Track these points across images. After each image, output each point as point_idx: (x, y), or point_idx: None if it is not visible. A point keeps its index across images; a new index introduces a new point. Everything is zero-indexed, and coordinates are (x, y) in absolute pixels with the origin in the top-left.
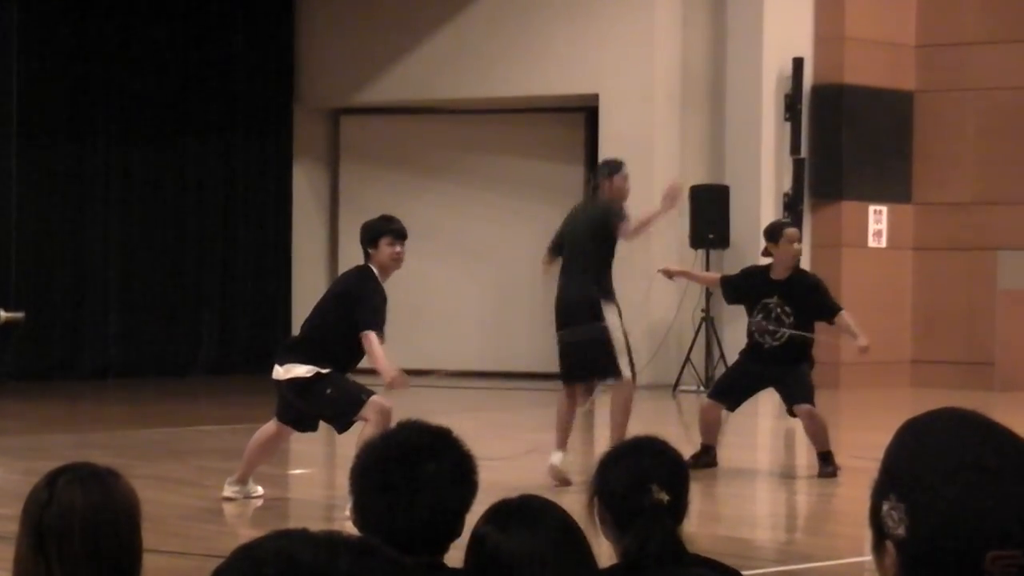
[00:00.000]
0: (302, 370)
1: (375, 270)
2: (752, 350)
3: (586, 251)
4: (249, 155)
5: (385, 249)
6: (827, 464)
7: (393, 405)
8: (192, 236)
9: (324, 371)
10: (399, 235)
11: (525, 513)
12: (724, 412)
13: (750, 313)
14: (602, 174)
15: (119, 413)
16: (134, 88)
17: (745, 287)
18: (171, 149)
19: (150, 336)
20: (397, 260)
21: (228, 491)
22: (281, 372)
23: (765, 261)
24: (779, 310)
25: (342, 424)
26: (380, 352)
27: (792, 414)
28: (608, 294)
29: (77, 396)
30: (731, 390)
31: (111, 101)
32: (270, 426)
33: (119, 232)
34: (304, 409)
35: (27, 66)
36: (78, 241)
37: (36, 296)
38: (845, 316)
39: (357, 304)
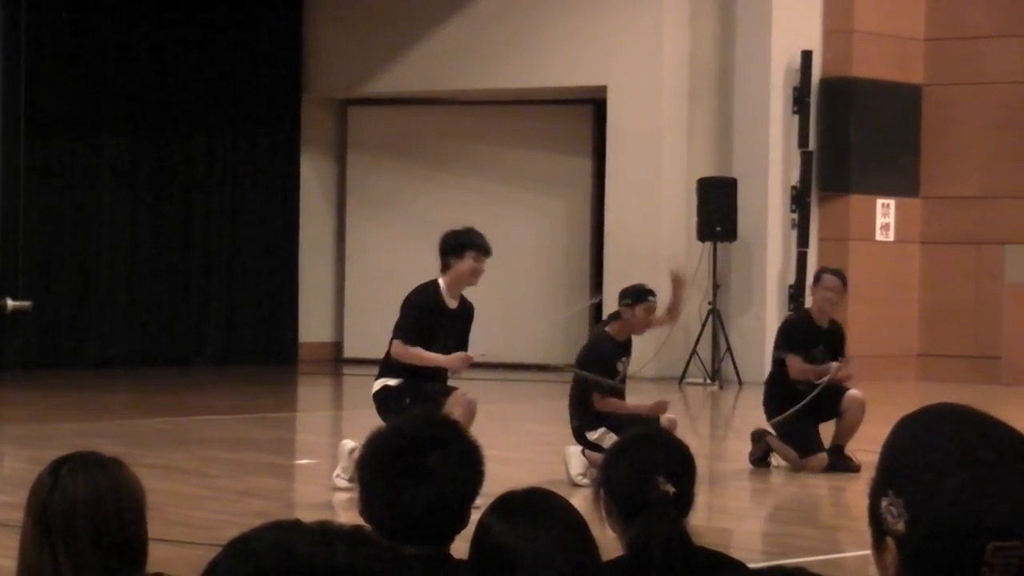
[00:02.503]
0: (375, 386)
1: (441, 284)
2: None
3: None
4: (256, 146)
5: (469, 262)
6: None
7: (476, 397)
8: (199, 226)
9: (393, 383)
10: (484, 251)
11: (531, 506)
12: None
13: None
14: (623, 303)
15: (125, 402)
16: (142, 78)
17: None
18: (178, 139)
19: (156, 325)
20: (476, 276)
21: (341, 482)
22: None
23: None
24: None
25: None
26: (418, 352)
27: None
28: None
29: (83, 385)
30: None
31: (118, 91)
32: None
33: (126, 222)
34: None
35: (34, 55)
36: (85, 231)
37: (42, 285)
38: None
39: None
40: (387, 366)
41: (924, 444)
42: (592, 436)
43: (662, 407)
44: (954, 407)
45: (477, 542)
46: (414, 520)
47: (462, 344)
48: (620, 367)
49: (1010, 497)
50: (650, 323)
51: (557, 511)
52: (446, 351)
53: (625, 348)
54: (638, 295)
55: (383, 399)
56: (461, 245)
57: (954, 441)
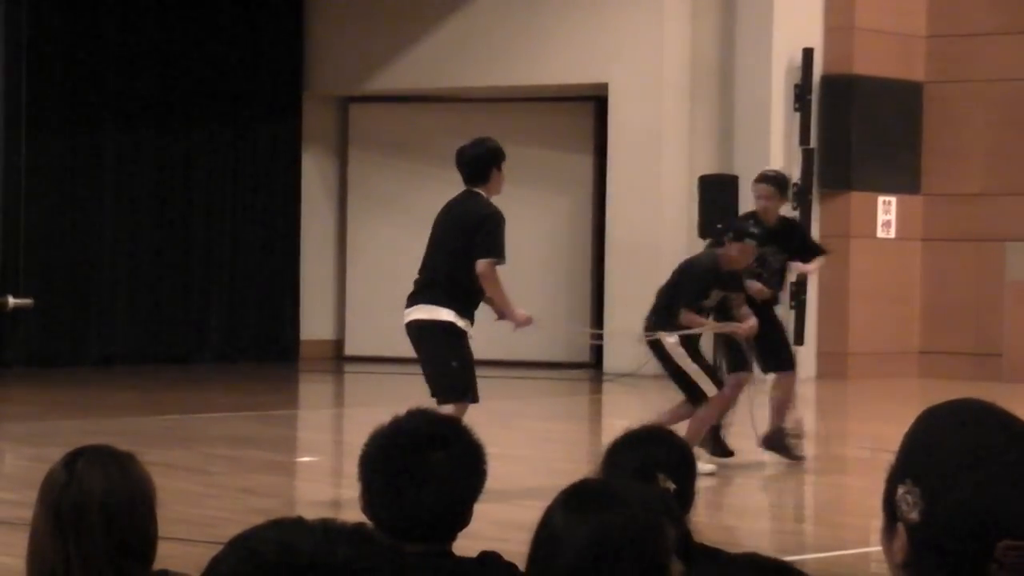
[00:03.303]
0: (437, 313)
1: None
2: None
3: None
4: (258, 143)
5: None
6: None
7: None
8: (200, 223)
9: (460, 324)
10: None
11: (600, 497)
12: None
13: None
14: (725, 235)
15: (126, 400)
16: (142, 75)
17: None
18: (180, 137)
19: (157, 323)
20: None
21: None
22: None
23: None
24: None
25: None
26: (500, 285)
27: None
28: None
29: (84, 383)
30: None
31: (119, 88)
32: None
33: (127, 219)
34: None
35: (35, 54)
36: (86, 228)
37: (44, 283)
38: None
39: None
40: (452, 294)
41: (946, 437)
42: (666, 336)
43: (746, 329)
44: (980, 403)
45: (537, 529)
46: (417, 518)
47: None
48: (712, 295)
49: None
50: (739, 264)
51: (628, 505)
52: None
53: (723, 280)
54: (738, 234)
55: (444, 332)
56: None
57: (977, 437)
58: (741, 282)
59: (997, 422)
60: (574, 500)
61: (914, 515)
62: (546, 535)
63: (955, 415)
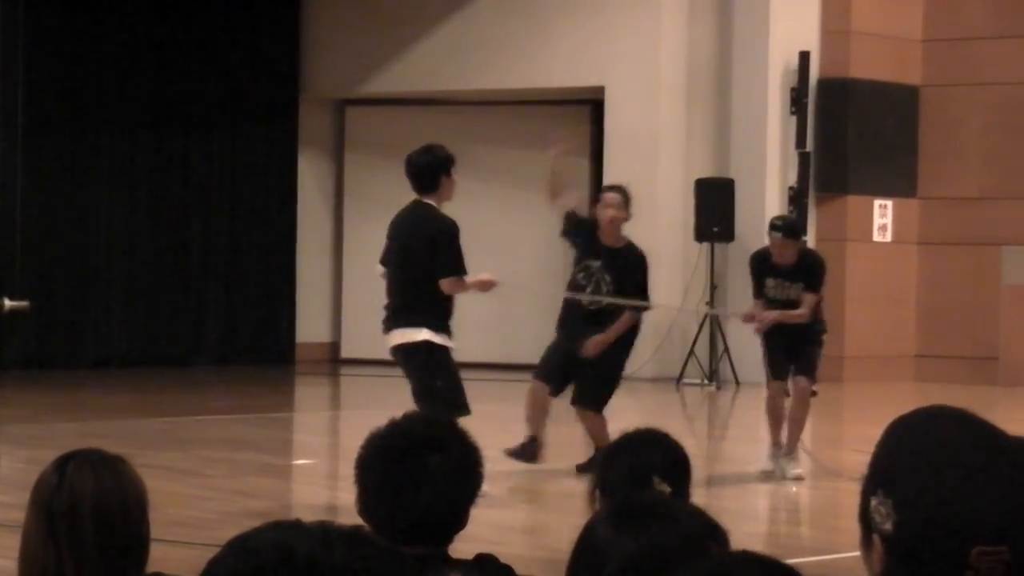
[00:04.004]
0: (417, 335)
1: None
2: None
3: None
4: (254, 146)
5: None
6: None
7: None
8: (197, 226)
9: (438, 342)
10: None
11: (646, 511)
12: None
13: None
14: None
15: (122, 402)
16: (140, 78)
17: None
18: (176, 140)
19: (154, 325)
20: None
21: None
22: None
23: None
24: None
25: None
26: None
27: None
28: None
29: (80, 385)
30: None
31: (116, 91)
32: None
33: (123, 222)
34: None
35: (32, 55)
36: (82, 230)
37: (40, 285)
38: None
39: None
40: (424, 312)
41: (915, 446)
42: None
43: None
44: (947, 410)
45: (578, 544)
46: (414, 521)
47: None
48: (770, 283)
49: (998, 502)
50: (775, 253)
51: (676, 521)
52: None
53: (778, 270)
54: (769, 226)
55: (424, 353)
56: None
57: (945, 444)
58: (793, 274)
59: (966, 428)
60: (623, 516)
61: (888, 526)
62: (590, 550)
63: (924, 424)
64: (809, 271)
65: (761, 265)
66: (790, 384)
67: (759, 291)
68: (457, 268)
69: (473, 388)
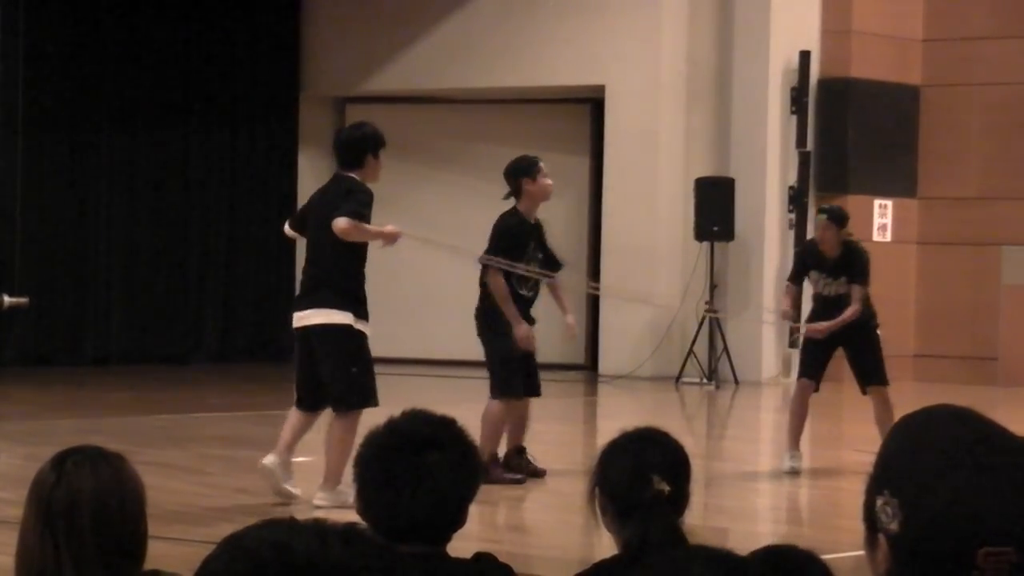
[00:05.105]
0: (334, 317)
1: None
2: None
3: None
4: (254, 143)
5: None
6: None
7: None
8: (196, 224)
9: (355, 326)
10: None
11: (794, 567)
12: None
13: None
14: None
15: (121, 399)
16: (139, 75)
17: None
18: (176, 137)
19: (153, 323)
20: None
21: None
22: None
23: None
24: None
25: None
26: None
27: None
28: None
29: (79, 382)
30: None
31: (116, 88)
32: None
33: (123, 219)
34: None
35: (32, 53)
36: (81, 227)
37: (40, 282)
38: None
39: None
40: (345, 294)
41: (921, 445)
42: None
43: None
44: (953, 409)
45: None
46: (412, 520)
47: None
48: (814, 277)
49: (1005, 502)
50: (818, 237)
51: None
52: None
53: (823, 264)
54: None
55: (343, 337)
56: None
57: (951, 444)
58: (837, 268)
59: (971, 428)
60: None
61: (894, 526)
62: None
63: (929, 423)
64: (852, 264)
65: (808, 255)
66: (867, 391)
67: (798, 277)
68: (357, 215)
69: (472, 386)
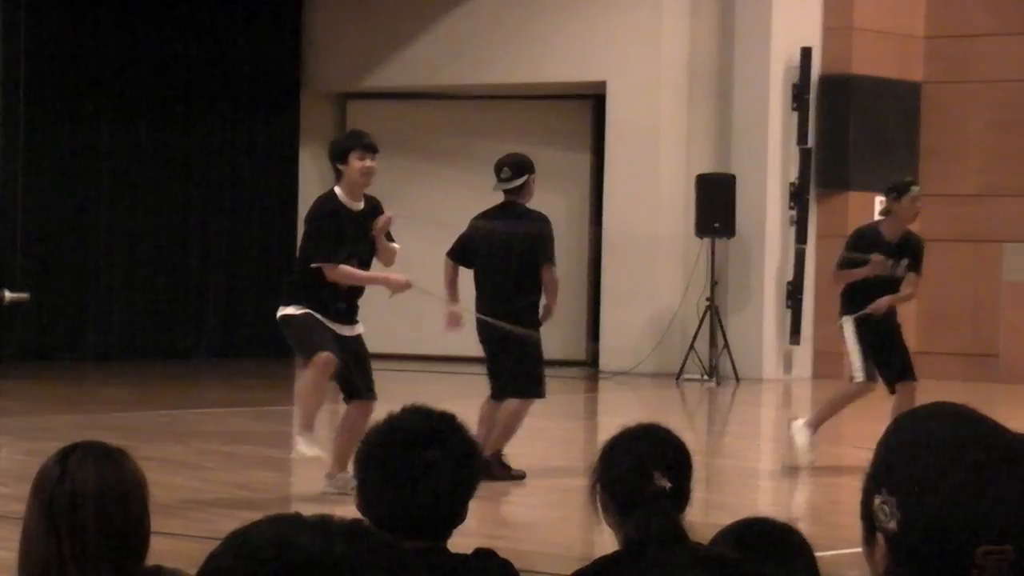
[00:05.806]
0: (281, 312)
1: (339, 191)
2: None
3: None
4: (256, 139)
5: (355, 164)
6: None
7: (334, 361)
8: (197, 219)
9: (296, 313)
10: (369, 148)
11: (773, 541)
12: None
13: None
14: (890, 196)
15: (122, 395)
16: (141, 70)
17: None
18: (177, 133)
19: (154, 318)
20: (367, 175)
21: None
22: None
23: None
24: None
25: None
26: (351, 272)
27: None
28: None
29: (80, 378)
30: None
31: (117, 83)
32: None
33: (124, 214)
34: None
35: (33, 47)
36: (83, 223)
37: (41, 278)
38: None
39: (307, 238)
40: (307, 291)
41: (919, 444)
42: (843, 322)
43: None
44: (952, 407)
45: None
46: (412, 515)
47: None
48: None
49: (1003, 501)
50: (917, 211)
51: (800, 549)
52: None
53: (883, 246)
54: (901, 188)
55: (287, 329)
56: (346, 148)
57: (949, 442)
58: (897, 252)
59: (970, 426)
60: (745, 541)
61: (892, 525)
62: None
63: (927, 421)
64: (913, 250)
65: (864, 240)
66: (897, 387)
67: (848, 264)
68: (322, 255)
69: (472, 382)
